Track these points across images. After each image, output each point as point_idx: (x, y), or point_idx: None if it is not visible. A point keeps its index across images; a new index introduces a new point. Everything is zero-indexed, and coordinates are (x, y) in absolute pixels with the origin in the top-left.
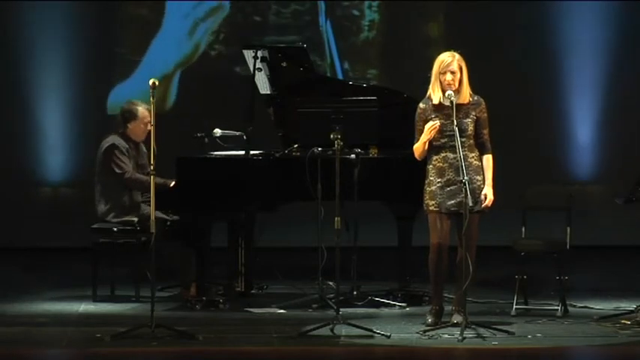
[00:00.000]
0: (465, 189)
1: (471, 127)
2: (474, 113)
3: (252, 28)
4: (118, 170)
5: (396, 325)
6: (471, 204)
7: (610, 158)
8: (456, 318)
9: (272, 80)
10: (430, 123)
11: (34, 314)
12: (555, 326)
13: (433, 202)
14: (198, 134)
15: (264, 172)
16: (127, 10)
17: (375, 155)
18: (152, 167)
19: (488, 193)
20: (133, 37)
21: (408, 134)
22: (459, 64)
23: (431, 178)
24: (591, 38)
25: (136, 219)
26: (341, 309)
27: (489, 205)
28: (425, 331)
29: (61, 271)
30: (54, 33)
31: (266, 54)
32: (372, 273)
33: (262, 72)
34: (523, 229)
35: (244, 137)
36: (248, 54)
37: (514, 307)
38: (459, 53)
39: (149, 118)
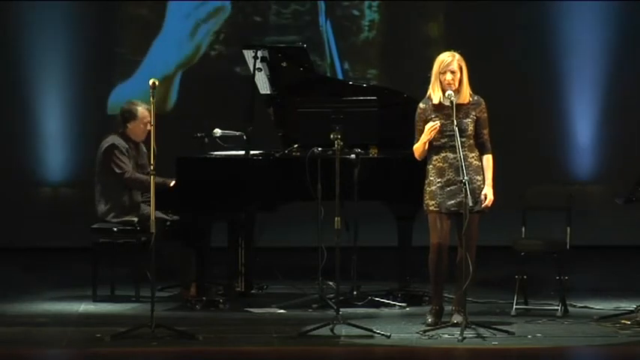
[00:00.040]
0: (465, 189)
1: (471, 127)
2: (474, 113)
3: (253, 29)
4: (117, 170)
5: (396, 325)
6: (471, 204)
7: (610, 158)
8: (456, 318)
9: (272, 80)
10: (430, 124)
11: (34, 314)
12: (555, 326)
13: (433, 202)
14: (198, 134)
15: (264, 172)
16: (127, 10)
17: (375, 155)
18: (152, 167)
19: (488, 193)
20: (133, 37)
21: (408, 134)
22: (459, 64)
23: (431, 178)
24: (591, 38)
25: (136, 219)
26: (341, 309)
27: (489, 205)
28: (425, 331)
29: (61, 271)
30: (54, 33)
31: (266, 54)
32: (372, 273)
33: (262, 72)
34: (523, 229)
35: (244, 137)
36: (248, 54)
37: (514, 307)
38: (459, 53)
39: (149, 118)
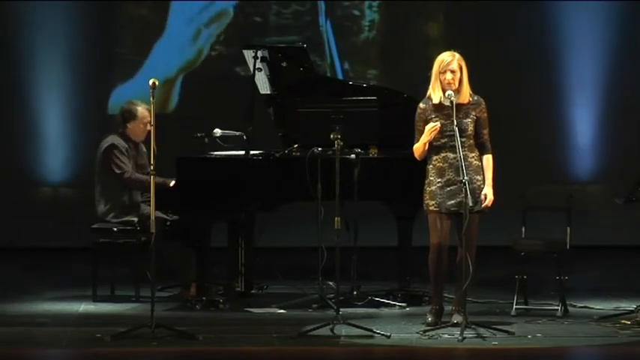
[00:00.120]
0: (465, 189)
1: (470, 127)
2: (474, 113)
3: (253, 29)
4: (117, 170)
5: (396, 325)
6: (471, 204)
7: (610, 158)
8: (456, 318)
9: (272, 80)
10: (431, 124)
11: (34, 314)
12: (555, 326)
13: (433, 202)
14: (198, 134)
15: (264, 172)
16: (127, 10)
17: (375, 155)
18: (152, 167)
19: (488, 193)
20: (133, 38)
21: (408, 134)
22: (459, 64)
23: (431, 178)
24: (592, 38)
25: (135, 219)
26: (341, 309)
27: (489, 205)
28: (425, 331)
29: (61, 271)
30: (54, 33)
31: (266, 54)
32: (372, 273)
33: (262, 72)
34: (523, 229)
35: (244, 137)
36: (248, 54)
37: (514, 307)
38: (459, 53)
39: (149, 118)
